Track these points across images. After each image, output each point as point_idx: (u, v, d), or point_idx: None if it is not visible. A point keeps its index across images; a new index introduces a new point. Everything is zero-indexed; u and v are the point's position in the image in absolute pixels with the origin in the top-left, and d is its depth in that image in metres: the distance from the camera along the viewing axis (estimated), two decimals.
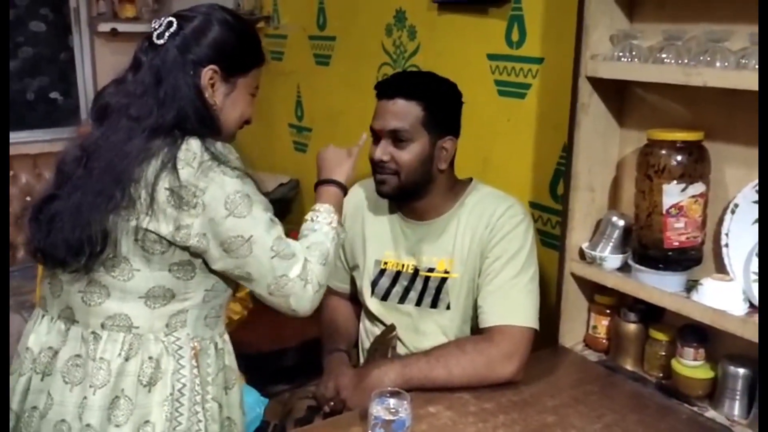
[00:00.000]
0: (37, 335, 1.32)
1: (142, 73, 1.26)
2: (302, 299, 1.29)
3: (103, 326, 1.26)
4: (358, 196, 1.82)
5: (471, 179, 1.74)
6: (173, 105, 1.23)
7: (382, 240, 1.75)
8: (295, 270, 1.27)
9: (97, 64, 3.62)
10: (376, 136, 1.62)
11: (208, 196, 1.19)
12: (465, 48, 2.18)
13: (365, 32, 2.64)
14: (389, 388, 1.31)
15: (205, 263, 1.27)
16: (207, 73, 1.27)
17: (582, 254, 1.68)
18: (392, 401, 1.29)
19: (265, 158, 3.35)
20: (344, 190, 1.51)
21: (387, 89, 1.62)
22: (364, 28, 2.64)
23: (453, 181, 1.70)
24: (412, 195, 1.64)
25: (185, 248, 1.24)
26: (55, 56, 3.63)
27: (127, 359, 1.25)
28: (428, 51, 2.35)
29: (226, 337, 1.40)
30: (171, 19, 1.28)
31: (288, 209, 3.18)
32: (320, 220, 1.40)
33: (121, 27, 3.50)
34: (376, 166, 1.62)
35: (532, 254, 1.62)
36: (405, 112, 1.58)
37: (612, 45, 1.60)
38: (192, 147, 1.21)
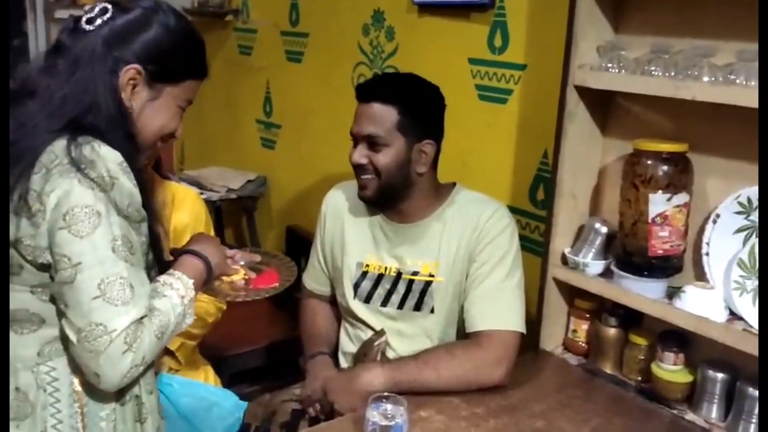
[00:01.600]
0: None
1: (59, 58, 1.13)
2: (113, 367, 1.04)
3: None
4: (338, 198, 1.81)
5: (454, 184, 1.75)
6: (81, 98, 1.10)
7: (363, 242, 1.74)
8: (120, 324, 1.04)
9: None
10: (354, 140, 1.62)
11: (51, 202, 1.04)
12: (445, 51, 2.19)
13: (340, 31, 2.62)
14: (385, 393, 1.31)
15: None
16: (128, 71, 1.13)
17: (564, 259, 1.72)
18: (389, 406, 1.29)
19: (232, 154, 3.31)
20: (210, 275, 1.29)
21: (364, 93, 1.62)
22: (340, 26, 2.63)
23: (435, 185, 1.70)
24: (392, 198, 1.65)
25: (40, 267, 1.09)
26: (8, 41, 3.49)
27: None
28: (407, 52, 2.35)
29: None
30: (107, 5, 1.15)
31: (254, 206, 3.14)
32: (175, 288, 1.17)
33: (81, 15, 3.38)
34: (356, 170, 1.62)
35: (518, 258, 1.64)
36: (380, 116, 1.58)
37: (599, 55, 1.63)
38: (55, 149, 1.07)
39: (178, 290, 1.17)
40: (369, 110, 1.59)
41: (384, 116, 1.57)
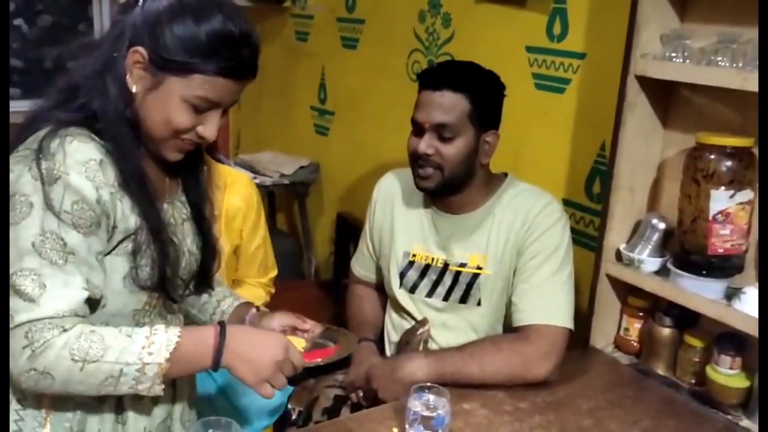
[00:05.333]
0: None
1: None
2: (13, 360, 1.00)
3: None
4: (390, 185, 1.79)
5: (506, 174, 1.71)
6: (92, 78, 1.08)
7: (411, 232, 1.72)
8: (20, 318, 0.99)
9: None
10: (419, 128, 1.57)
11: (9, 185, 1.04)
12: (502, 39, 2.15)
13: (396, 17, 2.59)
14: (428, 384, 1.29)
15: None
16: (132, 54, 1.06)
17: (618, 255, 1.67)
18: (431, 397, 1.27)
19: (286, 140, 3.32)
20: (216, 364, 1.09)
21: (433, 80, 1.57)
22: (396, 12, 2.60)
23: (489, 176, 1.67)
24: (453, 189, 1.61)
25: None
26: (73, 26, 3.59)
27: None
28: (463, 40, 2.31)
29: None
30: None
31: (306, 192, 3.16)
32: (149, 340, 1.03)
33: None
34: (419, 159, 1.57)
35: (569, 253, 1.59)
36: (452, 104, 1.53)
37: (662, 44, 1.57)
38: (38, 134, 1.05)
39: (152, 347, 1.03)
40: (439, 98, 1.54)
41: (455, 104, 1.53)
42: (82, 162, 1.03)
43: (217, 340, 1.08)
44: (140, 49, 1.06)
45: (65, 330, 1.00)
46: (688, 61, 1.51)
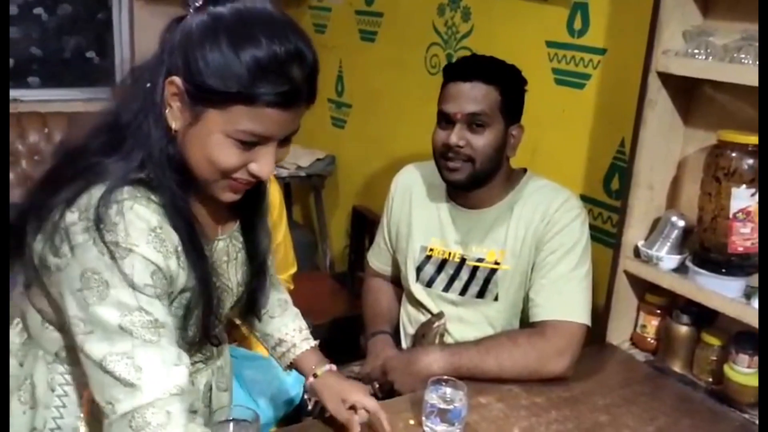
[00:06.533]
0: None
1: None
2: None
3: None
4: (408, 178, 1.79)
5: (525, 170, 1.71)
6: (131, 109, 0.97)
7: (429, 226, 1.72)
8: (123, 407, 0.91)
9: (135, 27, 3.59)
10: (448, 120, 1.56)
11: (74, 257, 0.93)
12: (522, 33, 2.14)
13: (415, 10, 2.59)
14: (445, 377, 1.30)
15: None
16: (168, 85, 0.94)
17: (637, 252, 1.66)
18: (448, 390, 1.28)
19: (303, 132, 3.27)
20: None
21: (464, 71, 1.56)
22: (415, 6, 2.59)
23: (509, 171, 1.67)
24: (480, 183, 1.60)
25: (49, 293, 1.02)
26: (92, 16, 3.61)
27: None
28: (482, 34, 2.31)
29: None
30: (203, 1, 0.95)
31: (322, 185, 3.17)
32: None
33: None
34: (449, 152, 1.56)
35: (588, 249, 1.59)
36: (484, 95, 1.53)
37: (684, 41, 1.56)
38: (92, 194, 0.93)
39: None
40: (471, 89, 1.53)
41: (487, 95, 1.53)
42: (146, 231, 0.94)
43: None
44: (176, 79, 0.93)
45: (170, 414, 0.92)
46: (711, 58, 1.50)
